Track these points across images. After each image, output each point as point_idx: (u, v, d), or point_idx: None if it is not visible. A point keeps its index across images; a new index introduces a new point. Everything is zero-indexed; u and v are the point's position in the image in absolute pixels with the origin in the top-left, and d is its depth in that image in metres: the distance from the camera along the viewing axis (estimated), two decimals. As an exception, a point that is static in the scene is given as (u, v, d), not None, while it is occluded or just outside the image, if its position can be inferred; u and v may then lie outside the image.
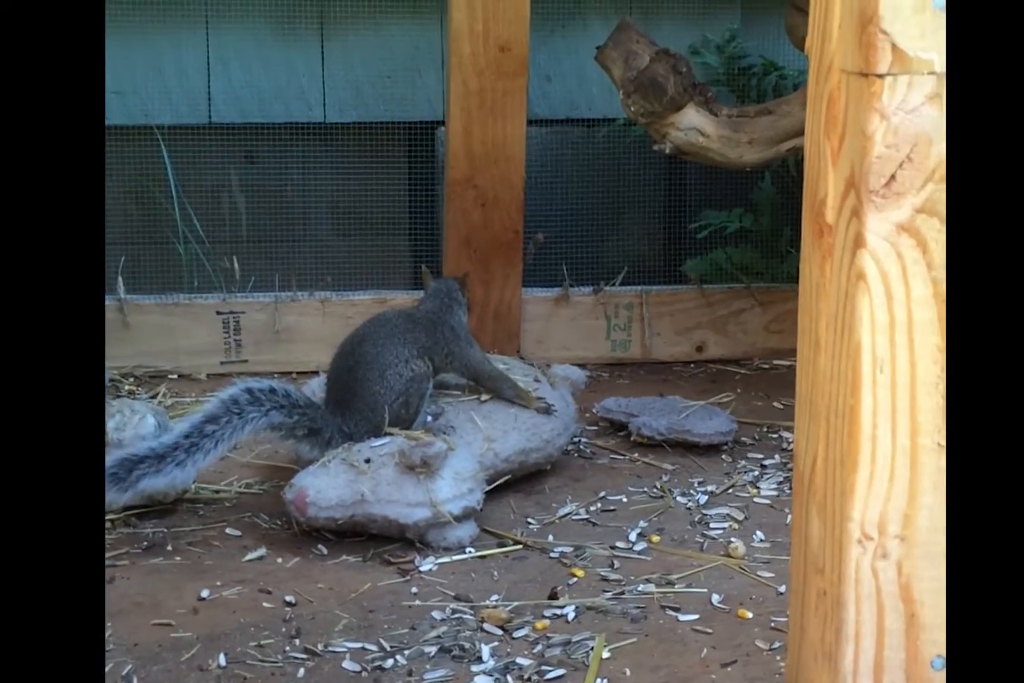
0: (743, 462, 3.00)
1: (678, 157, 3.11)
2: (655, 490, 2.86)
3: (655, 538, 2.63)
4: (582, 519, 2.72)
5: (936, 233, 1.36)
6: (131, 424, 2.59)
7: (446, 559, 2.52)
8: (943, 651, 1.41)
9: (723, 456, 3.03)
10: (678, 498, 2.82)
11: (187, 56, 3.71)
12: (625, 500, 2.81)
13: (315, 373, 3.42)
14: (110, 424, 2.59)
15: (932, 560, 1.40)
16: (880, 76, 1.33)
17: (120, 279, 3.37)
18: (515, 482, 2.81)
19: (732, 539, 2.61)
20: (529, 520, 2.71)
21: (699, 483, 2.89)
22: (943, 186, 1.35)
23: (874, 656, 1.44)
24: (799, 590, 1.55)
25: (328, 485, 2.51)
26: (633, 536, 2.63)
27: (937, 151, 1.34)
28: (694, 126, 3.01)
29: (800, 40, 3.04)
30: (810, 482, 1.50)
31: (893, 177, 1.35)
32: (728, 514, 2.74)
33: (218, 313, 3.40)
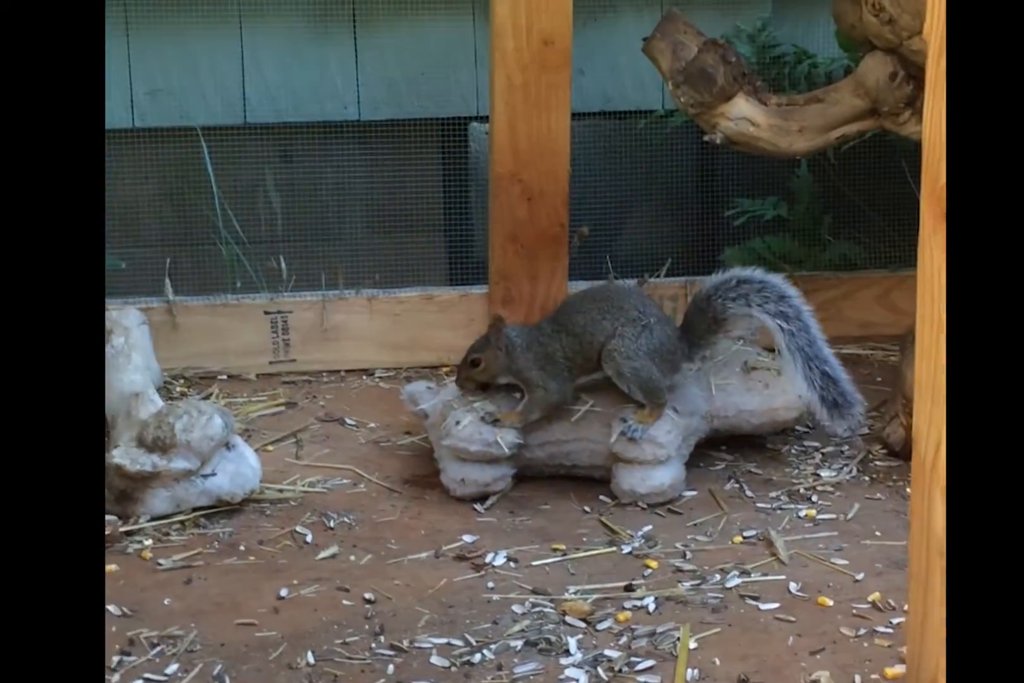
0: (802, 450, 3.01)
1: (729, 147, 3.10)
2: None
3: (724, 528, 2.63)
4: (642, 509, 2.71)
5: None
6: (199, 425, 2.58)
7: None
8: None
9: (783, 447, 3.03)
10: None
11: (221, 56, 3.69)
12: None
13: (364, 371, 3.43)
14: (178, 425, 2.58)
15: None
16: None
17: (168, 281, 3.36)
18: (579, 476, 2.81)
19: (802, 527, 2.61)
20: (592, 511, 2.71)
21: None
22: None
23: (1008, 639, 1.44)
24: (921, 575, 1.55)
25: None
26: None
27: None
28: (744, 116, 3.00)
29: (849, 27, 3.03)
30: (933, 466, 1.50)
31: (1021, 160, 1.35)
32: (795, 503, 2.75)
33: (266, 313, 3.39)
